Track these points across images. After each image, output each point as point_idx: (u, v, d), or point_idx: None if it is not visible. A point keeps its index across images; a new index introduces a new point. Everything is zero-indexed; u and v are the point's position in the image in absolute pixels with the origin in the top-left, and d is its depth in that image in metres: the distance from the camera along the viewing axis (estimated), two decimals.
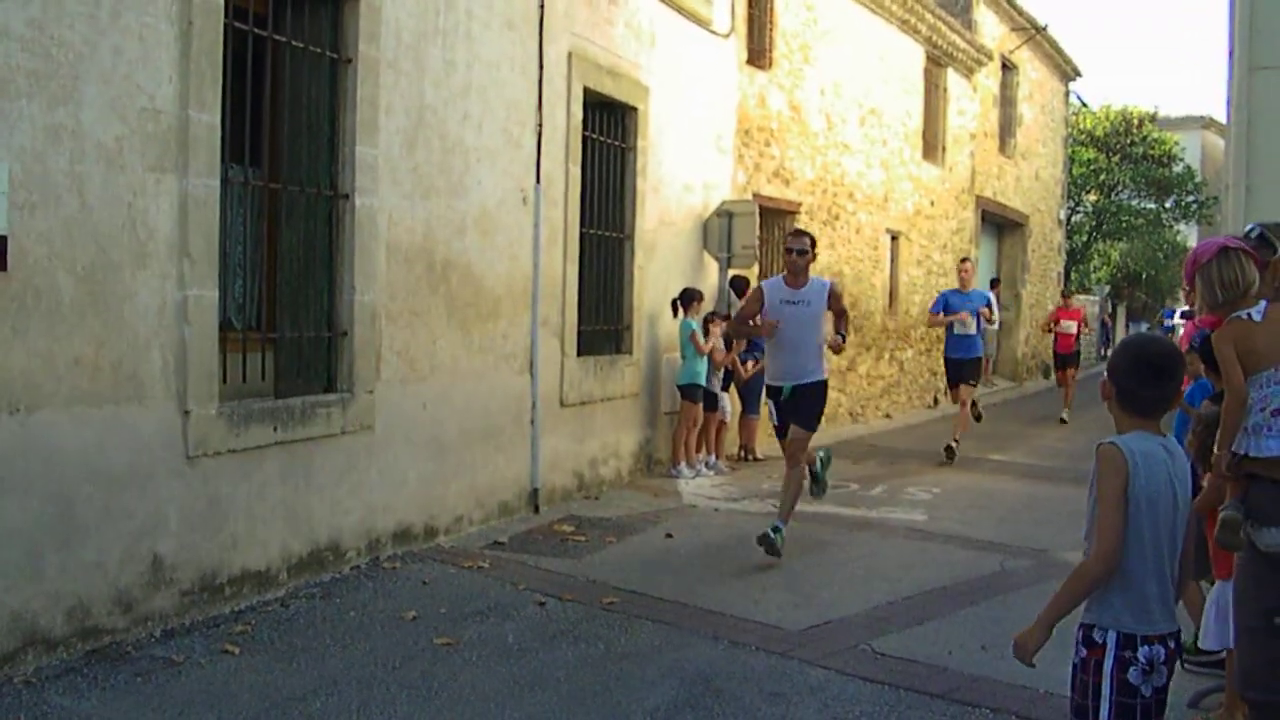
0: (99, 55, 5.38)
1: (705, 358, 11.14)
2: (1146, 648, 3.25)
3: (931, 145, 19.29)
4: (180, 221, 5.84)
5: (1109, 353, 14.81)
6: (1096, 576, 3.26)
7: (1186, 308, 18.80)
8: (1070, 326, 17.93)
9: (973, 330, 13.07)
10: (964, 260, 14.33)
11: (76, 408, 5.34)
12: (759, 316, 8.46)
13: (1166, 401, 3.38)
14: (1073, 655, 3.40)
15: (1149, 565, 3.26)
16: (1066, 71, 26.95)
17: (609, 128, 10.43)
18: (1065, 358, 18.29)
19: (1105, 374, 3.45)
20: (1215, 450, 4.48)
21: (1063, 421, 17.49)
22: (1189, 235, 39.74)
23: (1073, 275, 34.46)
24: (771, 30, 13.90)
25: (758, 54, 13.65)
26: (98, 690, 5.03)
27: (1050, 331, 18.61)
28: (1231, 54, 9.63)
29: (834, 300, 8.34)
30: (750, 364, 12.19)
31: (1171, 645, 3.30)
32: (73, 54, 5.25)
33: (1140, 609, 3.26)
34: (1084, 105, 35.11)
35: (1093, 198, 36.85)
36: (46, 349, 5.18)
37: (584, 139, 9.84)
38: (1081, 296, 31.95)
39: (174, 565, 5.89)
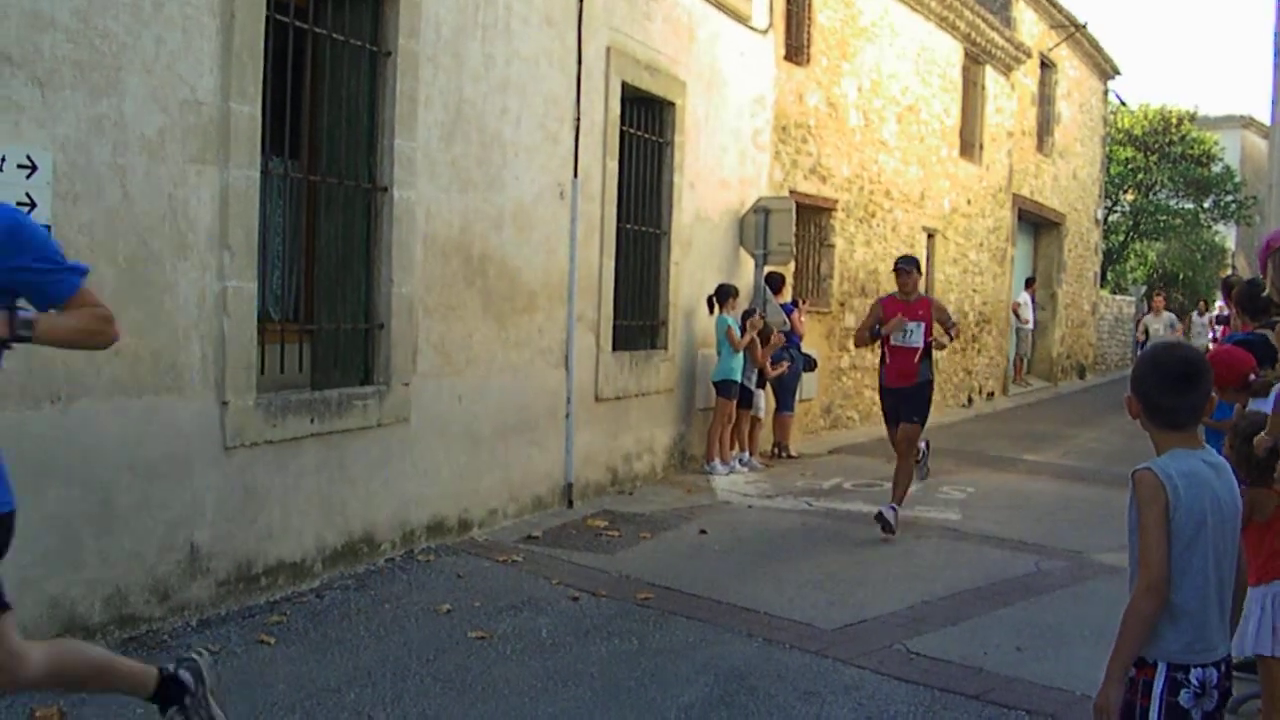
0: (142, 46, 5.41)
1: (741, 353, 11.12)
2: (1199, 670, 3.07)
3: (969, 143, 19.17)
4: (220, 213, 5.86)
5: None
6: (1148, 612, 3.07)
7: (1221, 312, 18.61)
8: (911, 335, 8.93)
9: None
10: None
11: (116, 398, 5.37)
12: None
13: (1197, 410, 3.19)
14: None
15: (1201, 593, 3.08)
16: (1105, 70, 26.73)
17: (647, 123, 10.41)
18: (898, 396, 9.11)
19: (1129, 389, 3.29)
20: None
21: (884, 527, 8.55)
22: (1227, 236, 39.36)
23: (1109, 275, 34.22)
24: (810, 27, 13.86)
25: (796, 50, 13.60)
26: None
27: (870, 343, 9.53)
28: (1277, 52, 9.53)
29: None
30: (784, 364, 12.18)
31: (1224, 668, 3.13)
32: (116, 45, 5.28)
33: (1193, 639, 3.08)
34: (1123, 104, 34.78)
35: (1130, 197, 36.53)
36: None
37: (621, 134, 9.83)
38: (1119, 296, 31.74)
39: (210, 555, 5.92)
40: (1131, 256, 37.78)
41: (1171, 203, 36.75)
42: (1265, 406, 4.53)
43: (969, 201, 19.16)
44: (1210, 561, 3.10)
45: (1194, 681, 3.07)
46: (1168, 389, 3.18)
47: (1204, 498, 3.10)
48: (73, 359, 5.13)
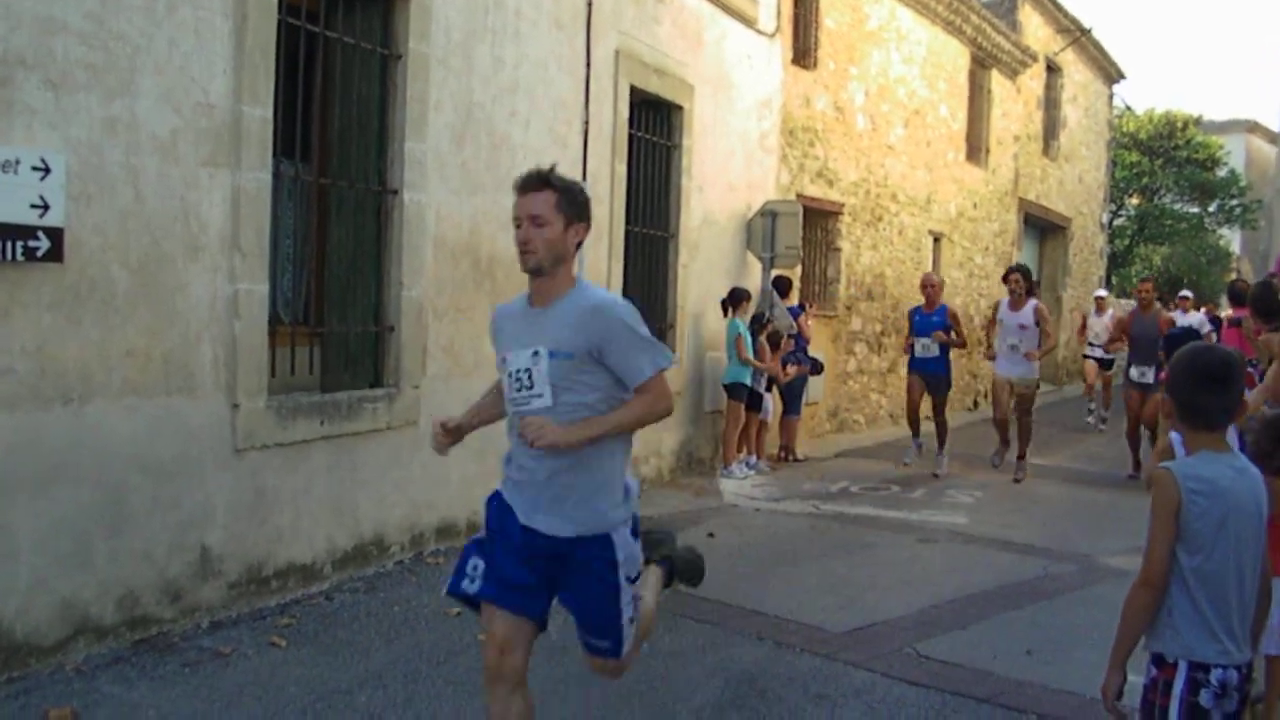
0: (155, 49, 5.42)
1: (750, 356, 11.11)
2: (1220, 670, 3.09)
3: (975, 147, 19.17)
4: (232, 215, 5.88)
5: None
6: (1141, 603, 3.16)
7: (1231, 313, 18.55)
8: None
9: None
10: None
11: (128, 399, 5.38)
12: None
13: (1229, 411, 3.23)
14: (1143, 675, 3.25)
15: (1221, 596, 3.11)
16: (1110, 74, 26.71)
17: (654, 126, 10.42)
18: None
19: (1164, 391, 3.33)
20: None
21: None
22: (1232, 240, 39.34)
23: (1114, 279, 34.20)
24: (817, 30, 13.85)
25: (803, 54, 13.61)
26: (147, 680, 5.07)
27: None
28: None
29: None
30: (792, 367, 12.16)
31: (1246, 670, 3.15)
32: (129, 47, 5.29)
33: (1210, 638, 3.11)
34: (1128, 108, 34.83)
35: (1135, 201, 36.56)
36: (100, 340, 5.22)
37: (630, 137, 9.84)
38: (1124, 300, 31.69)
39: (221, 557, 5.93)
40: (1137, 260, 37.76)
41: (1176, 207, 36.79)
42: None
43: (975, 205, 19.15)
44: (1230, 565, 3.12)
45: (1214, 682, 3.09)
46: (1202, 389, 3.20)
47: (1223, 503, 3.11)
48: (86, 361, 5.15)
